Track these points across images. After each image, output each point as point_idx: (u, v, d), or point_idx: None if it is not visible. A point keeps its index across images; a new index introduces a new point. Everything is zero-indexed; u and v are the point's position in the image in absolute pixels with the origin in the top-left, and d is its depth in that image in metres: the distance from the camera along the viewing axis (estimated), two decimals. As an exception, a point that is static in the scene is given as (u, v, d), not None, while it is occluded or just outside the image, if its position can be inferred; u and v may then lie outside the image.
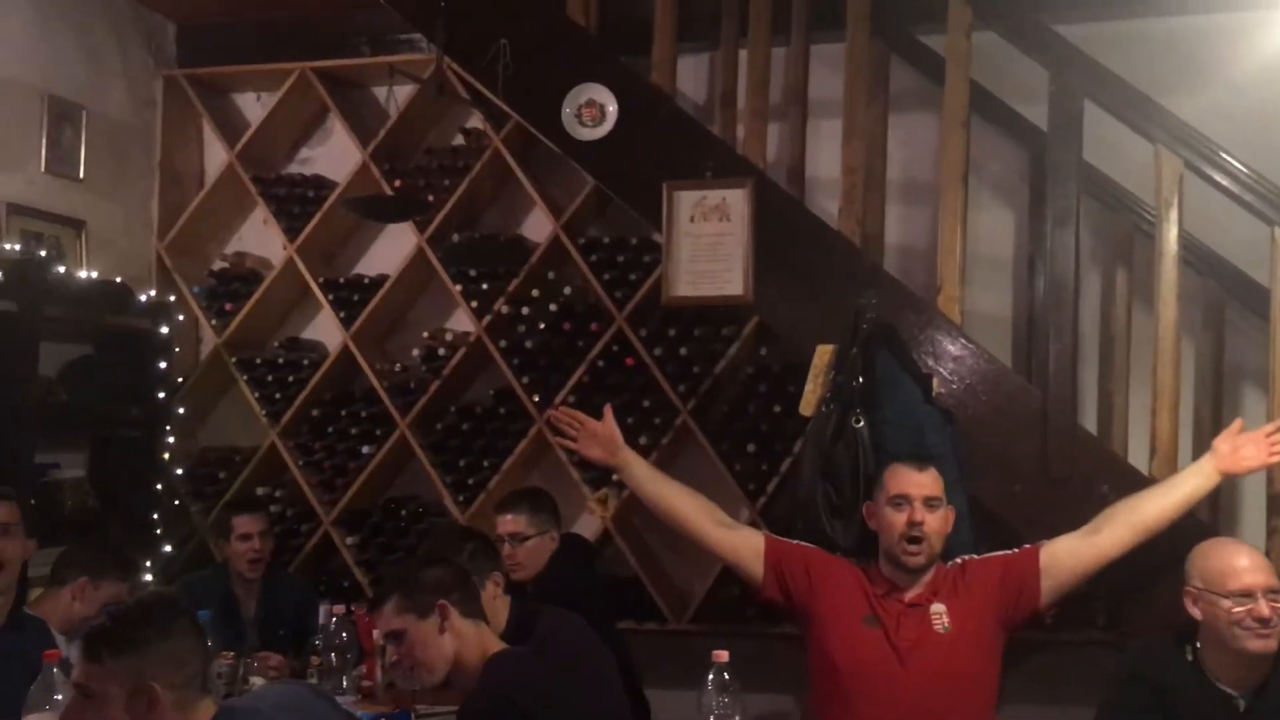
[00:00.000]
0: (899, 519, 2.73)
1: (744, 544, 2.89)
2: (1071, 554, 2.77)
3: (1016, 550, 2.82)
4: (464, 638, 2.35)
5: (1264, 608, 2.43)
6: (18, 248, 3.54)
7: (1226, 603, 2.46)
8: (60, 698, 2.25)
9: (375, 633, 3.26)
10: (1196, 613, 2.53)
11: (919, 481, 2.75)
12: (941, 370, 3.10)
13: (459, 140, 4.32)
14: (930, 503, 2.74)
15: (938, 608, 2.74)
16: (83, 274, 3.77)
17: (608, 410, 3.00)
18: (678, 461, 3.99)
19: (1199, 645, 2.56)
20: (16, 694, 2.45)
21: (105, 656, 1.78)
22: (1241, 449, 2.81)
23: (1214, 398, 3.58)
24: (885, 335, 3.07)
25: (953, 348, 3.12)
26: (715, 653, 2.38)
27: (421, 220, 4.16)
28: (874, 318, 3.06)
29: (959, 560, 2.83)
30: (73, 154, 3.99)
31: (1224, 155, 2.95)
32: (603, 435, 2.98)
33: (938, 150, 3.31)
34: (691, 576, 4.07)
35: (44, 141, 3.87)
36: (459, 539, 3.52)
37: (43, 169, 3.87)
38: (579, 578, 3.61)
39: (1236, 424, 2.87)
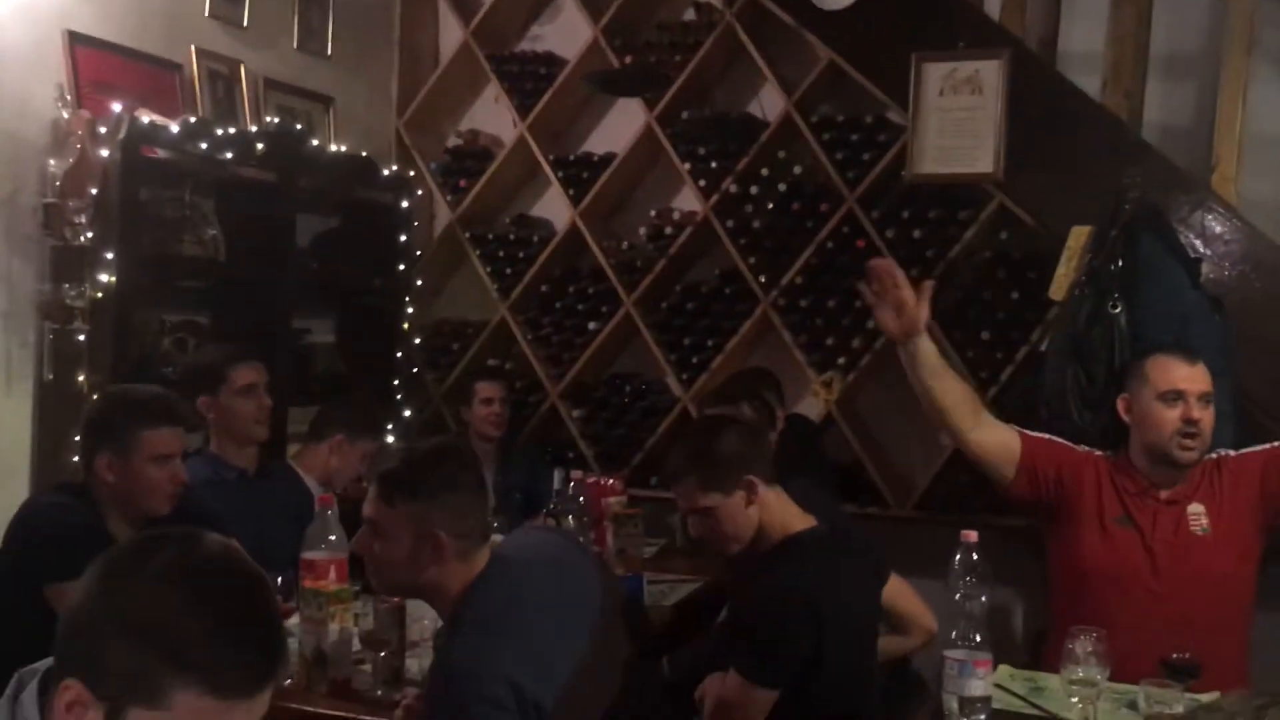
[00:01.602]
0: (1171, 415, 2.58)
1: (1001, 445, 2.74)
2: None
3: (1276, 445, 2.64)
4: (768, 506, 2.31)
5: None
6: (276, 121, 3.70)
7: None
8: (334, 537, 2.41)
9: (606, 501, 3.38)
10: None
11: (1192, 376, 2.59)
12: (1212, 255, 2.90)
13: (690, 15, 4.25)
14: (1205, 398, 2.59)
15: (1195, 508, 2.61)
16: (332, 148, 3.92)
17: (926, 285, 2.66)
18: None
19: None
20: (270, 532, 2.65)
21: (397, 499, 1.87)
22: None
23: None
24: (1150, 217, 2.89)
25: (1225, 230, 2.91)
26: (964, 532, 2.33)
27: (650, 98, 4.14)
28: (1138, 197, 2.88)
29: (1215, 455, 2.68)
30: (321, 32, 4.12)
31: None
32: (910, 308, 2.62)
33: (1216, 19, 3.05)
34: (915, 463, 4.01)
35: (295, 19, 4.01)
36: (755, 377, 3.57)
37: (295, 46, 4.01)
38: (804, 458, 3.62)
39: None
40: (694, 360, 4.15)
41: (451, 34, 4.54)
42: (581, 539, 3.17)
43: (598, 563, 2.23)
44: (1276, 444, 2.65)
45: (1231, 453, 2.69)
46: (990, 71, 3.05)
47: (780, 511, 2.34)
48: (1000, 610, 3.79)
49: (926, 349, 2.68)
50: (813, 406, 4.06)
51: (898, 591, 2.58)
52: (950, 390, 2.72)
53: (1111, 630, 2.55)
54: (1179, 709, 2.07)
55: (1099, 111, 3.03)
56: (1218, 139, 2.91)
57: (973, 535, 2.34)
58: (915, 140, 3.16)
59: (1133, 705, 2.21)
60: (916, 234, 3.81)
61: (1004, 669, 2.57)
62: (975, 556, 2.31)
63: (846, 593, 2.25)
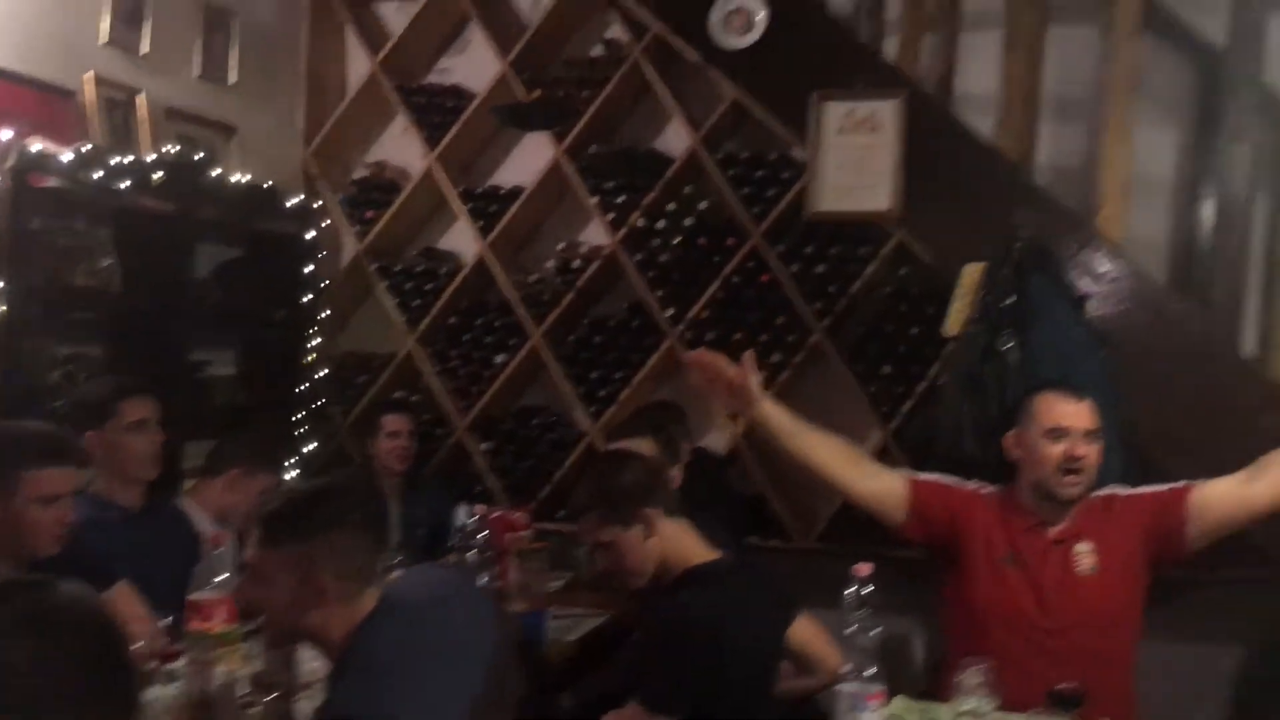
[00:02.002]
0: (1055, 451, 2.61)
1: (886, 493, 2.76)
2: (1223, 501, 2.59)
3: (1167, 489, 2.66)
4: (669, 539, 2.33)
5: None
6: (175, 149, 3.63)
7: None
8: (223, 577, 2.35)
9: (511, 535, 3.35)
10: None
11: (1076, 413, 2.63)
12: (1098, 293, 2.99)
13: (599, 51, 4.28)
14: (1089, 435, 2.64)
15: (1082, 547, 2.65)
16: (235, 178, 3.86)
17: (747, 357, 2.68)
18: (809, 380, 3.96)
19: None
20: (157, 573, 2.58)
21: (278, 541, 1.83)
22: None
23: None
24: (1039, 256, 2.97)
25: (1111, 270, 3.00)
26: (857, 566, 2.35)
27: (558, 132, 4.16)
28: (1028, 237, 2.96)
29: (1105, 493, 2.73)
30: (224, 60, 4.06)
31: None
32: (738, 385, 2.65)
33: (1103, 63, 3.16)
34: (818, 494, 4.04)
35: (198, 47, 3.95)
36: (660, 410, 3.57)
37: (197, 74, 3.95)
38: (711, 492, 3.64)
39: None
40: (601, 393, 4.16)
41: (359, 65, 4.52)
42: (484, 575, 3.15)
43: (491, 600, 2.21)
44: (1168, 487, 2.67)
45: (1122, 491, 2.74)
46: (887, 111, 3.12)
47: (682, 544, 2.35)
48: (901, 640, 3.84)
49: (774, 414, 2.70)
50: (721, 439, 4.09)
51: (806, 631, 2.59)
52: (817, 447, 2.73)
53: (1002, 663, 2.59)
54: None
55: (991, 153, 3.13)
56: (1102, 180, 3.00)
57: (865, 569, 2.36)
58: (815, 178, 3.21)
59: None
60: (819, 269, 3.88)
61: (899, 700, 2.60)
62: (868, 590, 2.35)
63: (748, 624, 2.26)
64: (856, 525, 3.86)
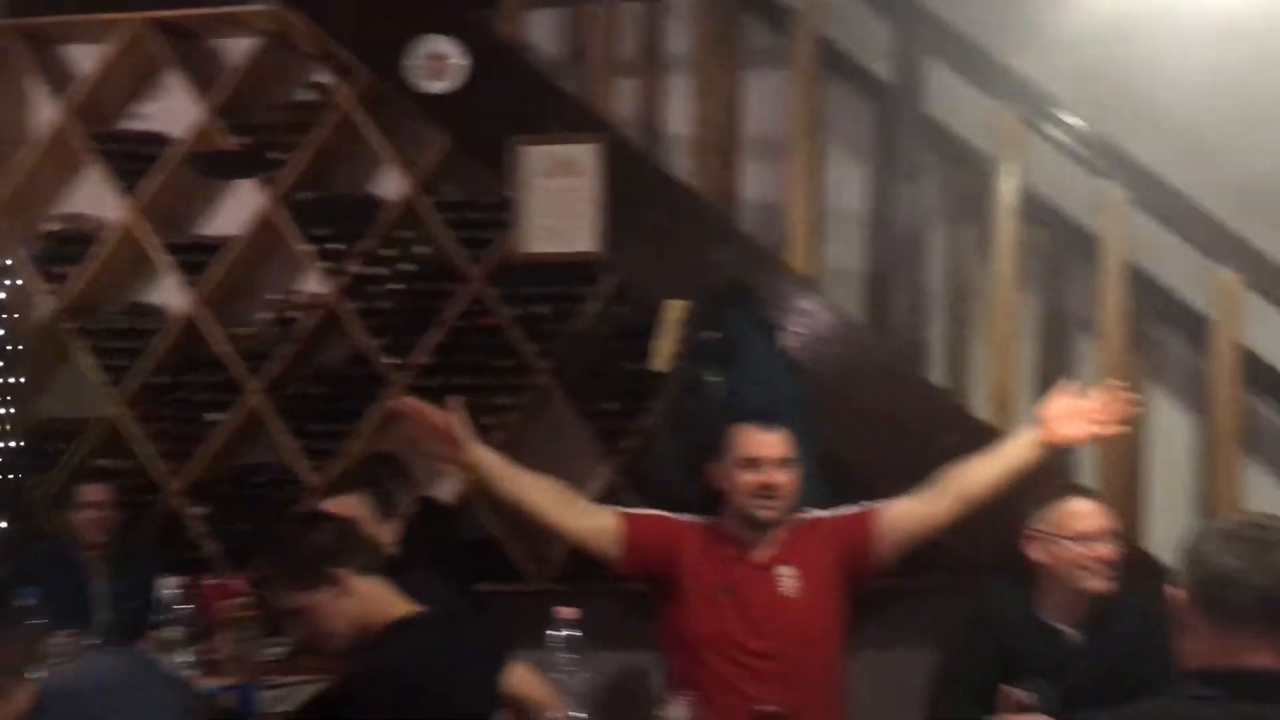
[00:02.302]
0: (750, 480, 2.73)
1: (599, 530, 2.80)
2: (907, 518, 2.77)
3: (858, 510, 2.82)
4: (364, 598, 2.24)
5: (1105, 550, 2.53)
6: None
7: (1071, 544, 2.55)
8: None
9: (223, 604, 3.18)
10: (1039, 555, 2.61)
11: (769, 443, 2.75)
12: (792, 325, 3.13)
13: (305, 95, 4.17)
14: (782, 463, 2.75)
15: (785, 570, 2.76)
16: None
17: (453, 403, 2.68)
18: (536, 423, 3.97)
19: (1037, 586, 2.65)
20: None
21: None
22: (1062, 422, 2.68)
23: (1056, 350, 3.69)
24: (737, 291, 3.08)
25: (802, 302, 3.15)
26: (559, 609, 2.36)
27: (267, 179, 4.02)
28: (726, 273, 3.07)
29: (807, 516, 2.85)
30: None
31: (1059, 111, 3.03)
32: (443, 431, 2.66)
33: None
34: (553, 536, 4.04)
35: None
36: (373, 464, 3.46)
37: None
38: (437, 542, 3.58)
39: (1061, 393, 2.73)
40: (326, 446, 4.02)
41: (44, 110, 4.23)
42: (181, 651, 2.96)
43: (172, 682, 2.08)
44: (859, 508, 2.83)
45: (824, 515, 2.87)
46: (587, 155, 3.17)
47: (380, 601, 2.29)
48: (641, 673, 3.87)
49: (486, 459, 2.72)
50: (450, 486, 4.03)
51: (522, 677, 2.56)
52: (530, 489, 2.76)
53: (717, 690, 2.68)
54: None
55: (686, 193, 3.22)
56: (789, 216, 3.15)
57: (568, 612, 2.37)
58: (520, 221, 3.22)
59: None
60: (540, 310, 3.90)
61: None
62: (572, 633, 2.35)
63: (453, 675, 2.21)
64: (593, 564, 3.92)
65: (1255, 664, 1.46)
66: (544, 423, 3.97)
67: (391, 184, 4.09)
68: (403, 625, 2.23)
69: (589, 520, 2.83)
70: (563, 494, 2.84)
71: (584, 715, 2.24)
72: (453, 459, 2.72)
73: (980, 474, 2.74)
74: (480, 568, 3.86)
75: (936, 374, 3.80)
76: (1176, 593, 1.57)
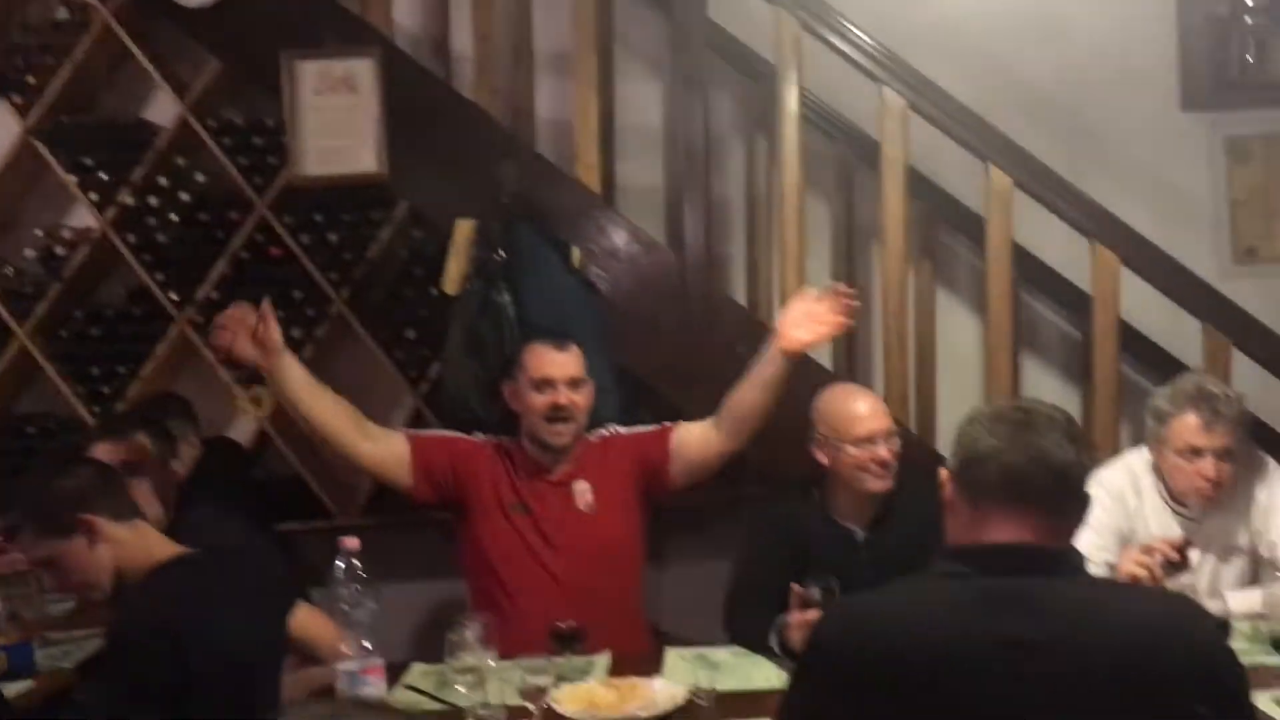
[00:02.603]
0: (542, 401, 2.70)
1: (390, 455, 2.77)
2: (698, 442, 2.80)
3: (654, 429, 2.84)
4: (122, 543, 2.13)
5: (884, 451, 2.59)
6: None
7: (851, 448, 2.60)
8: None
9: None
10: (823, 458, 2.66)
11: (560, 362, 2.72)
12: (586, 242, 3.08)
13: (63, 15, 3.85)
14: (574, 383, 2.73)
15: (581, 486, 2.76)
16: None
17: (265, 305, 2.68)
18: (336, 354, 3.83)
19: (825, 488, 2.71)
20: None
21: None
22: (794, 327, 2.68)
23: (847, 259, 3.76)
24: (526, 208, 3.02)
25: (595, 219, 3.10)
26: (343, 539, 2.28)
27: (23, 105, 3.72)
28: (514, 190, 2.99)
29: (604, 433, 2.85)
30: None
31: (839, 18, 3.04)
32: (260, 333, 2.64)
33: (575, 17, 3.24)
34: (359, 470, 3.93)
35: None
36: (153, 405, 3.29)
37: None
38: (230, 483, 3.44)
39: (794, 300, 2.75)
40: (106, 390, 3.79)
41: None
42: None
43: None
44: (654, 429, 2.84)
45: (622, 431, 2.87)
46: (364, 70, 3.02)
47: (140, 546, 2.16)
48: (456, 603, 3.83)
49: (294, 369, 2.69)
50: (246, 426, 3.87)
51: (306, 617, 2.48)
52: (328, 407, 2.72)
53: (515, 610, 2.66)
54: (549, 677, 2.16)
55: (470, 108, 3.11)
56: (577, 130, 3.09)
57: (352, 543, 2.30)
58: (296, 141, 3.07)
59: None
60: (332, 237, 3.73)
61: (417, 667, 2.58)
62: (356, 564, 2.28)
63: (213, 619, 2.11)
64: (396, 498, 3.83)
65: (999, 539, 1.50)
66: (343, 354, 3.83)
67: (165, 109, 3.84)
68: (164, 569, 2.12)
69: (379, 445, 2.78)
70: (357, 416, 2.79)
71: (369, 645, 2.17)
72: (263, 364, 2.67)
73: (743, 396, 2.75)
74: (282, 506, 3.73)
75: (737, 289, 3.85)
76: (944, 474, 1.60)
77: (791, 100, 3.02)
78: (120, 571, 2.12)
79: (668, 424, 2.84)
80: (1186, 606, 1.53)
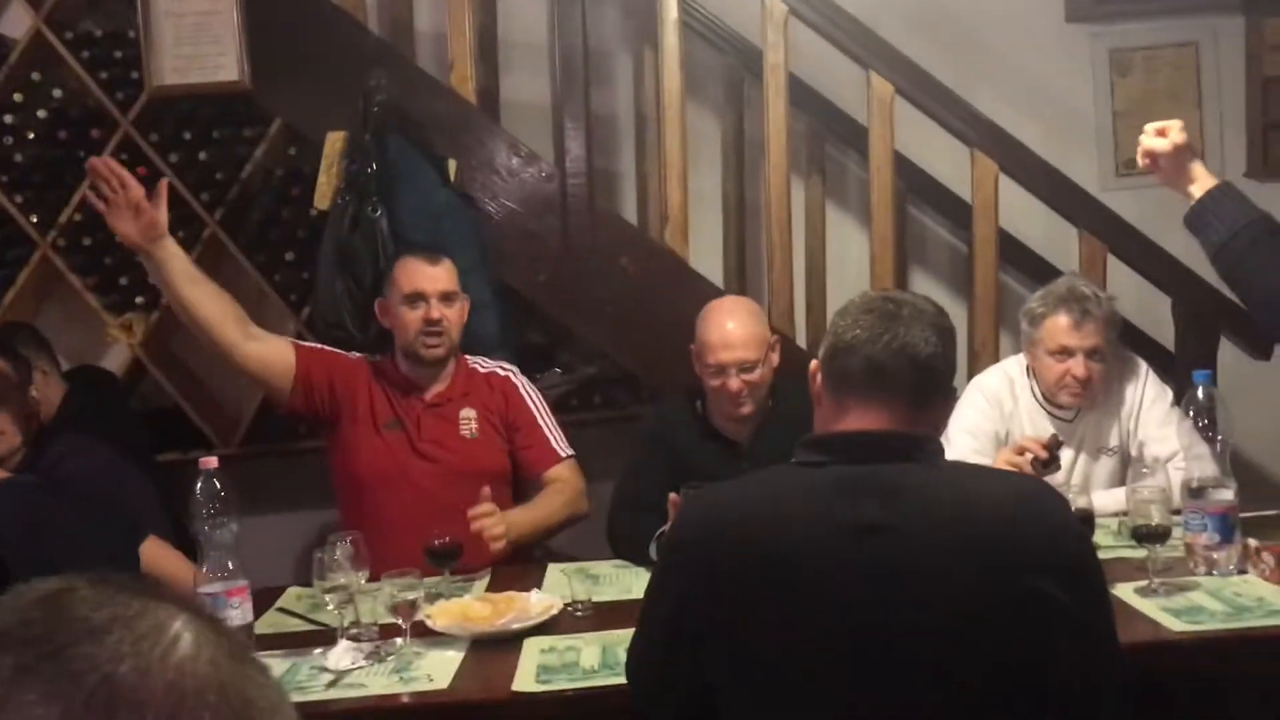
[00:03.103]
0: (414, 316, 2.62)
1: (276, 357, 2.67)
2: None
3: (539, 426, 2.75)
4: None
5: (733, 383, 2.54)
6: None
7: (707, 376, 2.57)
8: None
9: None
10: (700, 373, 2.63)
11: (433, 275, 2.64)
12: (463, 155, 2.98)
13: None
14: (446, 297, 2.65)
15: (468, 413, 2.70)
16: None
17: (162, 185, 2.51)
18: (212, 278, 3.64)
19: (706, 399, 2.68)
20: None
21: None
22: None
23: (736, 174, 3.72)
24: (398, 119, 2.91)
25: (473, 131, 3.01)
26: (203, 460, 2.20)
27: None
28: (384, 100, 2.87)
29: (505, 373, 2.77)
30: None
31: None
32: (146, 211, 2.46)
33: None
34: (241, 398, 3.82)
35: None
36: (9, 330, 3.14)
37: None
38: (102, 414, 3.30)
39: None
40: (-35, 319, 3.61)
41: None
42: None
43: None
44: (544, 439, 2.75)
45: (521, 388, 2.77)
46: (222, -27, 2.87)
47: None
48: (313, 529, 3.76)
49: (176, 253, 2.54)
50: (118, 355, 3.73)
51: (154, 551, 2.39)
52: (211, 299, 2.59)
53: (388, 529, 2.59)
54: (419, 592, 2.11)
55: (335, 13, 2.98)
56: (451, 40, 2.97)
57: (211, 461, 2.22)
58: (151, 50, 2.90)
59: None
60: (203, 155, 3.57)
61: (292, 591, 2.52)
62: (216, 483, 2.20)
63: (36, 547, 2.02)
64: (279, 426, 3.73)
65: (854, 427, 1.49)
66: (219, 279, 3.66)
67: (17, 21, 3.62)
68: None
69: (265, 345, 2.68)
70: (241, 314, 2.67)
71: (233, 564, 2.10)
72: (142, 245, 2.51)
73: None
74: (161, 437, 3.61)
75: (628, 206, 3.79)
76: (813, 365, 1.58)
77: (672, 7, 2.94)
78: None
79: (548, 444, 2.76)
80: (1038, 488, 1.53)
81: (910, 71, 3.04)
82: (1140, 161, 2.21)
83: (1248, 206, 2.12)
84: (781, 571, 1.42)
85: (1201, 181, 2.13)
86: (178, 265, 2.56)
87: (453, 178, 2.93)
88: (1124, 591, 2.05)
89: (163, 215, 2.50)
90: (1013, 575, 1.37)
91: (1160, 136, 2.16)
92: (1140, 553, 2.17)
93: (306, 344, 2.77)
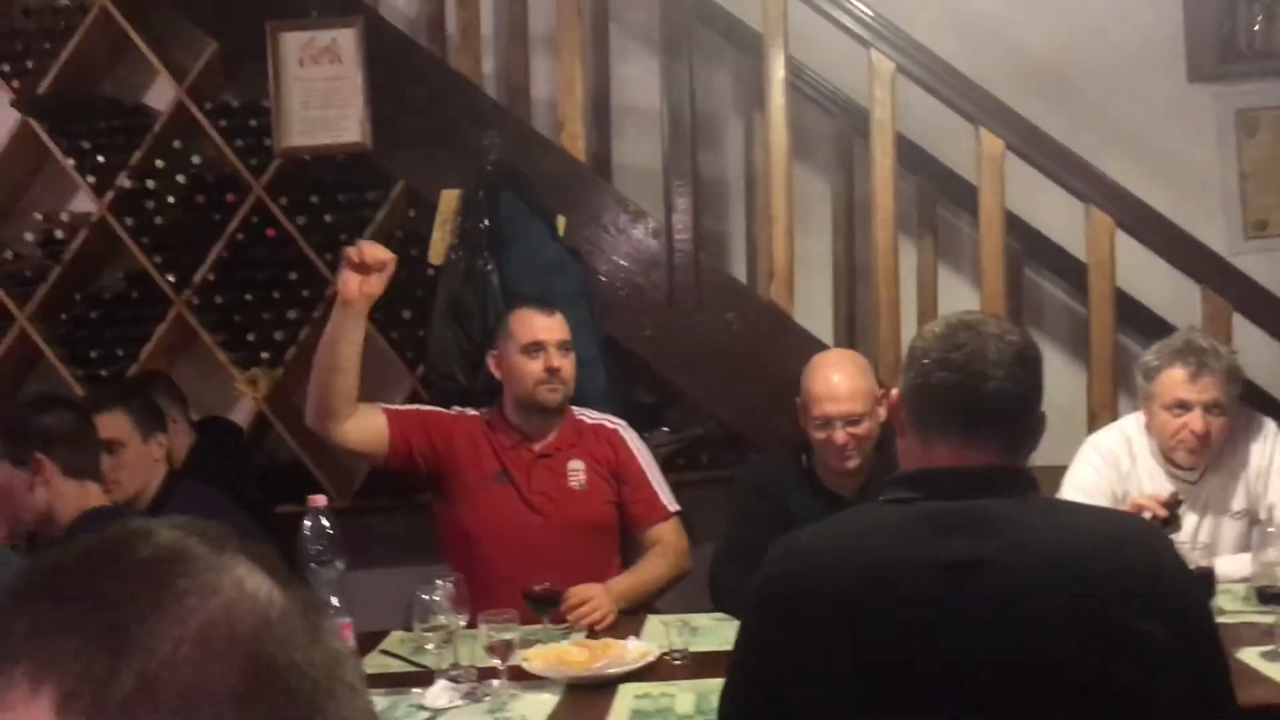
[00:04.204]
0: (534, 366, 2.65)
1: (370, 430, 2.67)
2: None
3: (648, 485, 2.76)
4: (62, 496, 2.16)
5: (840, 436, 2.51)
6: None
7: (812, 428, 2.54)
8: None
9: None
10: (805, 426, 2.61)
11: (549, 326, 2.68)
12: (572, 212, 3.05)
13: (63, -1, 3.89)
14: (564, 346, 2.69)
15: (575, 464, 2.72)
16: None
17: (389, 259, 2.63)
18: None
19: (811, 453, 2.65)
20: None
21: None
22: None
23: (846, 235, 3.71)
24: (509, 176, 2.99)
25: (581, 188, 3.07)
26: (311, 498, 2.26)
27: (22, 89, 3.75)
28: (497, 159, 2.96)
29: (614, 426, 2.80)
30: None
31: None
32: (372, 279, 2.59)
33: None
34: (336, 446, 3.90)
35: None
36: (137, 381, 3.26)
37: None
38: (228, 465, 3.43)
39: None
40: (105, 374, 3.80)
41: None
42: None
43: None
44: (651, 494, 2.76)
45: (628, 441, 2.79)
46: (347, 39, 3.02)
47: (76, 501, 2.18)
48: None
49: (364, 323, 2.60)
50: (244, 409, 3.87)
51: None
52: (352, 374, 2.60)
53: (496, 581, 2.61)
54: (515, 632, 2.12)
55: (453, 76, 3.10)
56: (561, 99, 3.06)
57: (319, 500, 2.28)
58: (281, 113, 3.06)
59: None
60: (328, 218, 3.73)
61: (395, 634, 2.55)
62: (324, 521, 2.26)
63: None
64: (394, 479, 3.81)
65: (944, 462, 1.45)
66: (340, 336, 3.81)
67: (164, 94, 3.86)
68: (92, 515, 2.12)
69: (361, 419, 2.70)
70: (355, 398, 2.66)
71: (338, 601, 2.14)
72: (360, 301, 2.60)
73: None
74: (279, 489, 3.72)
75: (737, 266, 3.81)
76: (893, 396, 1.55)
77: (778, 66, 2.98)
78: (46, 517, 2.14)
79: (656, 498, 2.77)
80: (1142, 525, 1.47)
81: (1021, 127, 3.01)
82: None
83: None
84: (868, 610, 1.39)
85: None
86: (359, 333, 2.61)
87: (562, 233, 2.99)
88: (1249, 656, 1.94)
89: (382, 286, 2.60)
90: (1113, 612, 1.31)
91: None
92: (1268, 618, 2.06)
93: (400, 409, 2.79)
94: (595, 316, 2.94)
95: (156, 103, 3.90)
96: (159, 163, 3.79)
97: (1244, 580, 2.30)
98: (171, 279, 3.77)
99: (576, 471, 2.73)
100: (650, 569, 2.69)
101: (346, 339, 2.58)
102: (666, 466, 3.00)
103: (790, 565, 1.49)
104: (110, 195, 3.76)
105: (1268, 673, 1.88)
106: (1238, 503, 2.54)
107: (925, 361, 1.46)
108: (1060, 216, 3.52)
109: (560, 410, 2.73)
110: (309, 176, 3.72)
